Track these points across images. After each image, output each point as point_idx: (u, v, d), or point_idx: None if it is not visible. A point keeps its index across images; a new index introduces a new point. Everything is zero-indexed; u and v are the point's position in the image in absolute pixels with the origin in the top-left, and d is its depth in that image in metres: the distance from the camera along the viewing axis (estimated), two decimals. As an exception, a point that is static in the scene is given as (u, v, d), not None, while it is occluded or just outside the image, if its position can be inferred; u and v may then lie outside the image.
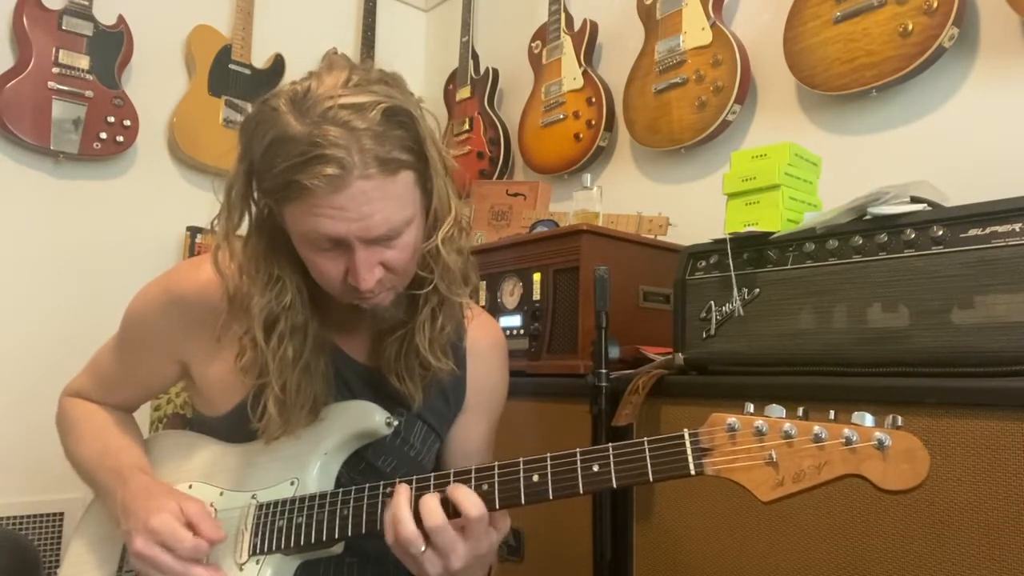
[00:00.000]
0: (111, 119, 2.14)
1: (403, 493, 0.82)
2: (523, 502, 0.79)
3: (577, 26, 2.29)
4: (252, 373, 0.92)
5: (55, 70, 2.06)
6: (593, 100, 2.20)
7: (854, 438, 0.66)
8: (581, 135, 2.22)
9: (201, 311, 0.95)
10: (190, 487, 0.97)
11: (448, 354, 0.98)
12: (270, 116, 0.80)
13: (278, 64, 2.51)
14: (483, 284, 1.68)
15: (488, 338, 1.09)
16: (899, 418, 0.67)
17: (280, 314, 0.89)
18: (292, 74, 0.91)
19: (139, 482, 0.93)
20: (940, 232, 0.99)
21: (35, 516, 2.02)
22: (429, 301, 0.94)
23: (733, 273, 1.19)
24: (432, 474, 0.84)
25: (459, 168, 0.96)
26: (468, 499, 0.79)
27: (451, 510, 0.80)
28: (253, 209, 0.89)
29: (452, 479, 0.82)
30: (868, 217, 1.08)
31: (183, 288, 0.97)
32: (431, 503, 0.80)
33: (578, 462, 0.77)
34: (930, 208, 1.05)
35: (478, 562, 0.82)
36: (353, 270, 0.84)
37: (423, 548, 0.79)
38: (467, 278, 0.96)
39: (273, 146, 0.79)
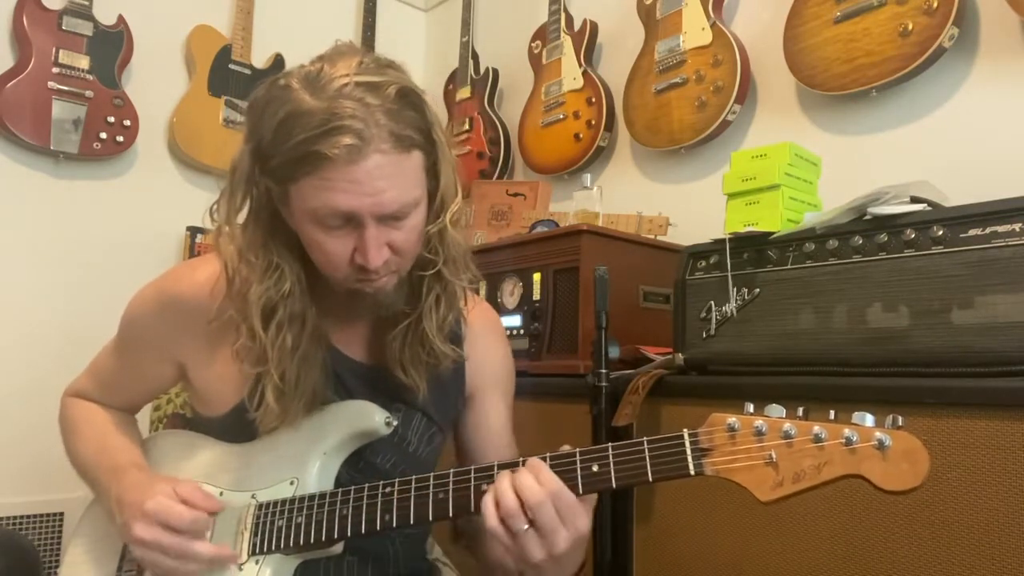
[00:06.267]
0: (111, 119, 2.14)
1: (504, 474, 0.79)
2: None
3: (577, 26, 2.29)
4: (249, 362, 0.91)
5: (55, 70, 2.06)
6: (593, 100, 2.20)
7: (854, 438, 0.66)
8: (581, 135, 2.22)
9: (197, 313, 0.95)
10: (189, 486, 0.97)
11: (454, 341, 0.99)
12: (282, 94, 0.81)
13: (278, 64, 2.51)
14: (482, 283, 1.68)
15: (482, 319, 1.09)
16: (900, 418, 0.66)
17: (279, 302, 0.88)
18: (292, 74, 0.91)
19: (133, 477, 0.93)
20: (940, 232, 0.99)
21: (35, 516, 2.02)
22: (433, 288, 0.95)
23: (730, 273, 1.19)
24: (432, 474, 0.84)
25: (458, 160, 0.98)
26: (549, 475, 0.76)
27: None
28: (254, 193, 0.88)
29: (452, 478, 0.82)
30: (868, 217, 1.08)
31: (178, 290, 0.97)
32: (528, 478, 0.76)
33: (578, 462, 0.77)
34: (930, 208, 1.05)
35: (576, 546, 0.77)
36: (362, 248, 0.84)
37: (525, 526, 0.75)
38: (468, 265, 0.98)
39: (287, 121, 0.79)
